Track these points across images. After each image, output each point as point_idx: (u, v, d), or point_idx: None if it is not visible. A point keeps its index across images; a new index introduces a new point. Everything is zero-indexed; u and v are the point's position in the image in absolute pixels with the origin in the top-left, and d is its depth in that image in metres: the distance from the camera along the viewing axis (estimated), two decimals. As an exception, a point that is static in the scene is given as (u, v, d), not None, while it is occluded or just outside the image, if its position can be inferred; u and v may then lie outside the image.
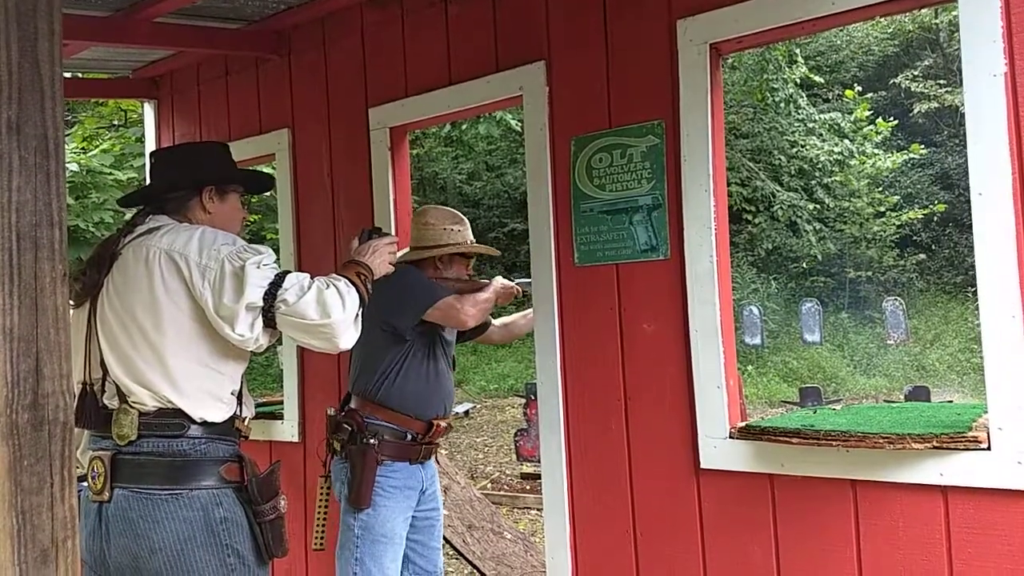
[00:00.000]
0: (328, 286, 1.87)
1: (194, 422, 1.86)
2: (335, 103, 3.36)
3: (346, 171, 3.32)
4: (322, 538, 2.71)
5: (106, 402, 1.89)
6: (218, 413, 1.90)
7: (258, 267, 1.83)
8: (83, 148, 8.31)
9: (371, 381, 2.60)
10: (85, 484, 1.89)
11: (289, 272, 1.88)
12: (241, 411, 1.98)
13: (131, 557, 1.81)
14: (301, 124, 3.49)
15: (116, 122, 9.23)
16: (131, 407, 1.85)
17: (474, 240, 2.85)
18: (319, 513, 2.73)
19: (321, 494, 2.73)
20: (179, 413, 1.85)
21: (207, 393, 1.88)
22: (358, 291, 1.94)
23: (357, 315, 1.91)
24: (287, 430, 3.47)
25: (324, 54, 3.39)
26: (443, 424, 2.70)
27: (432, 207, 2.88)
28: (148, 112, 4.15)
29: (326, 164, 3.39)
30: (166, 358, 1.84)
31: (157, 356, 1.84)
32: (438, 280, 2.71)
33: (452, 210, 2.87)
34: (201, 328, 1.86)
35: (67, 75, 4.20)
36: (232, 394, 1.94)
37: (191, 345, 1.86)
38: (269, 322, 1.84)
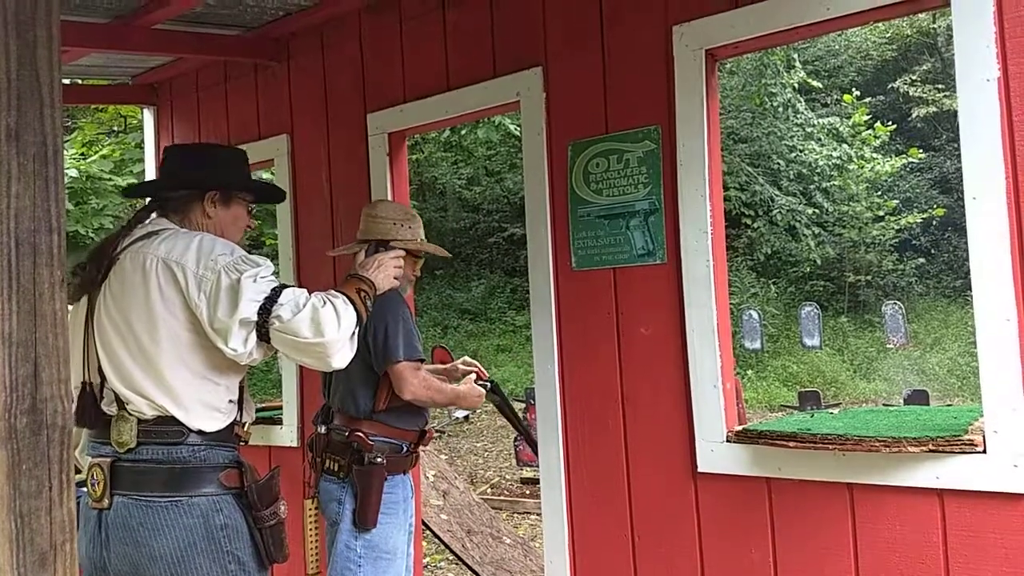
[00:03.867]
0: (324, 303, 1.83)
1: (192, 431, 1.85)
2: (334, 109, 3.37)
3: (345, 176, 3.33)
4: (317, 562, 2.64)
5: (104, 408, 1.88)
6: (215, 423, 1.88)
7: (254, 280, 1.80)
8: (82, 154, 8.33)
9: (369, 400, 2.55)
10: (84, 490, 1.88)
11: (287, 287, 1.84)
12: (241, 417, 1.96)
13: (131, 565, 1.80)
14: (300, 130, 3.50)
15: (116, 128, 9.26)
16: (129, 415, 1.83)
17: (424, 239, 2.71)
18: (312, 537, 2.66)
19: (310, 517, 2.66)
20: (178, 421, 1.83)
21: (204, 404, 1.86)
22: (356, 309, 1.90)
23: (353, 334, 1.88)
24: (286, 435, 3.48)
25: (323, 60, 3.41)
26: (433, 431, 2.69)
27: (384, 201, 2.77)
28: (148, 118, 4.16)
29: (325, 170, 3.40)
30: (162, 369, 1.82)
31: (153, 367, 1.82)
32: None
33: (405, 206, 2.76)
34: (197, 339, 1.83)
35: (67, 81, 4.22)
36: (231, 403, 1.92)
37: (187, 356, 1.84)
38: (263, 337, 1.80)
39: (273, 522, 1.89)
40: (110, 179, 7.82)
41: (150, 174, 4.20)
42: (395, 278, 2.19)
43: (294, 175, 3.50)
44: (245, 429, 1.98)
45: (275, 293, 1.80)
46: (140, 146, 6.72)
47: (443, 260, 15.54)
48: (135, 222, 1.98)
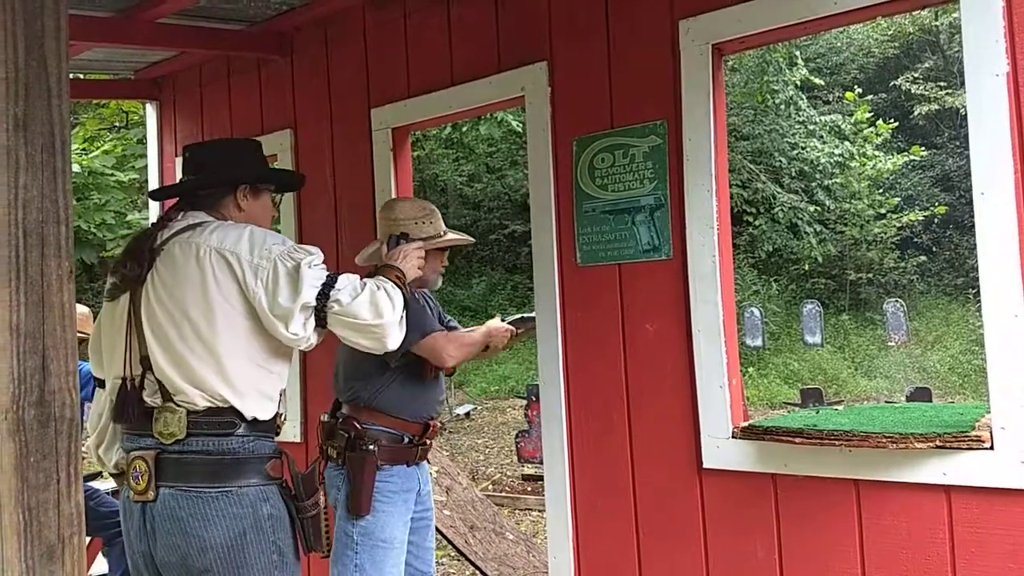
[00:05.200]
0: (379, 288, 1.93)
1: (245, 420, 1.87)
2: (337, 104, 3.36)
3: (348, 171, 3.32)
4: (329, 545, 2.68)
5: (147, 400, 1.87)
6: (268, 412, 1.92)
7: (310, 267, 1.86)
8: (84, 149, 8.33)
9: (365, 388, 2.56)
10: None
11: (341, 273, 1.92)
12: (280, 407, 2.01)
13: (180, 556, 1.80)
14: (303, 124, 3.49)
15: (117, 123, 9.24)
16: (178, 406, 1.84)
17: (446, 229, 2.71)
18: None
19: None
20: (230, 411, 1.85)
21: (260, 392, 1.90)
22: (402, 293, 2.01)
23: (402, 317, 1.97)
24: (289, 430, 3.47)
25: (326, 55, 3.40)
26: (437, 424, 2.70)
27: (398, 200, 2.78)
28: (150, 113, 4.15)
29: (328, 165, 3.39)
30: (222, 357, 1.84)
31: (212, 355, 1.84)
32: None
33: (419, 201, 2.75)
34: (254, 326, 1.87)
35: (69, 75, 4.20)
36: (281, 392, 1.98)
37: (245, 344, 1.87)
38: (321, 321, 1.87)
39: (314, 512, 1.95)
40: (112, 174, 7.82)
41: (152, 169, 4.19)
42: (419, 268, 2.28)
43: (297, 170, 3.49)
44: (282, 419, 2.02)
45: (331, 279, 1.88)
46: (142, 141, 6.72)
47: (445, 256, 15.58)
48: (167, 219, 2.00)
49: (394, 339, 1.95)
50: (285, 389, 2.01)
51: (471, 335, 2.64)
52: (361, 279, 1.93)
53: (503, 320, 2.82)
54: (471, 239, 2.85)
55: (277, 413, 1.96)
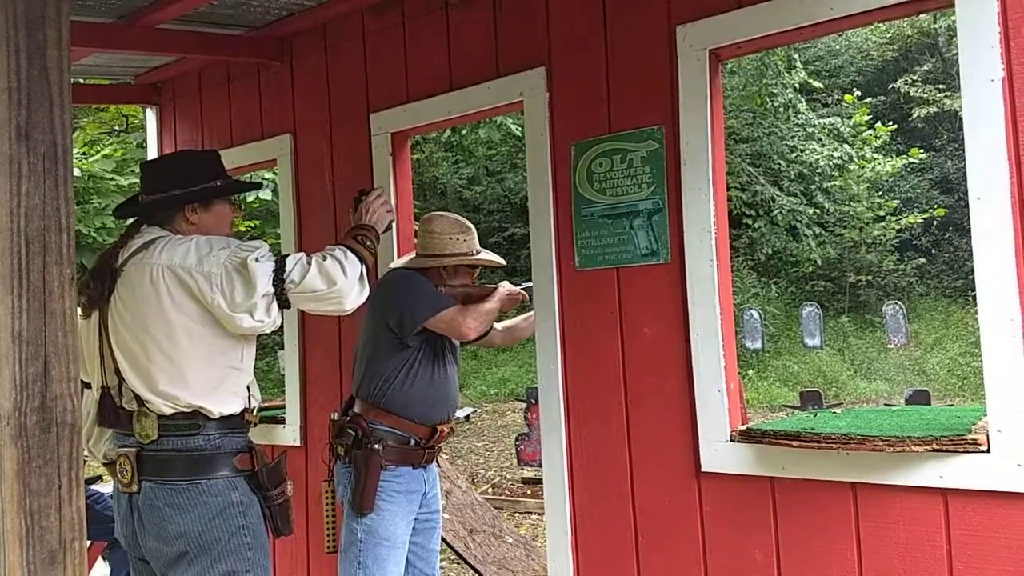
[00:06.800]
0: (325, 258, 2.08)
1: (210, 419, 2.03)
2: (337, 109, 3.38)
3: (348, 176, 3.33)
4: (333, 542, 2.74)
5: (124, 405, 2.05)
6: (235, 406, 2.07)
7: (258, 260, 2.00)
8: (84, 153, 8.34)
9: (376, 386, 2.60)
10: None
11: (286, 256, 2.07)
12: (249, 402, 2.15)
13: (160, 541, 2.00)
14: (303, 129, 3.50)
15: (117, 127, 9.26)
16: (149, 411, 2.02)
17: (480, 248, 2.83)
18: (327, 518, 2.75)
19: (326, 499, 2.74)
20: (194, 414, 2.02)
21: (226, 390, 2.06)
22: (357, 254, 2.14)
23: (361, 275, 2.12)
24: (289, 434, 3.48)
25: (326, 60, 3.41)
26: (446, 429, 2.71)
27: (438, 215, 2.86)
28: (150, 118, 4.16)
29: (328, 169, 3.40)
30: (185, 368, 2.00)
31: (175, 367, 2.00)
32: (445, 286, 2.71)
33: (459, 218, 2.84)
34: (214, 331, 2.02)
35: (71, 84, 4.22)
36: (247, 387, 2.13)
37: (207, 350, 2.02)
38: (283, 303, 2.04)
39: (280, 500, 2.12)
40: (112, 179, 7.83)
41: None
42: (388, 211, 2.40)
43: (297, 175, 3.51)
44: (253, 414, 2.16)
45: (280, 265, 2.04)
46: (142, 146, 6.73)
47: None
48: (127, 236, 2.14)
49: (351, 301, 2.10)
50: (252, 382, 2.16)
51: (487, 305, 2.70)
52: (307, 255, 2.08)
53: (518, 284, 2.91)
54: (502, 262, 2.94)
55: (245, 408, 2.12)
